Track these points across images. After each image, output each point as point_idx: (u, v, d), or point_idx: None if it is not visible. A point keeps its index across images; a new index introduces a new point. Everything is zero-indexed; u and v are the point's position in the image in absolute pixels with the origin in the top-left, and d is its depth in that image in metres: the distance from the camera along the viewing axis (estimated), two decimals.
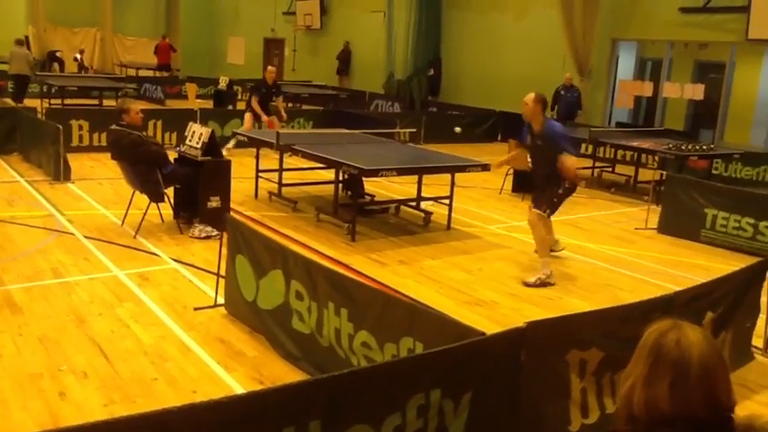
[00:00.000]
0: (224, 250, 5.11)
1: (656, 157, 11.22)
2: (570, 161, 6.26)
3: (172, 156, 7.56)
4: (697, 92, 14.70)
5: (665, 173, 9.66)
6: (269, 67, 12.58)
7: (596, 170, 12.39)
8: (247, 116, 12.23)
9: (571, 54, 15.89)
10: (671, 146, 10.86)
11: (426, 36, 19.56)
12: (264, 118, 12.10)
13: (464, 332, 3.30)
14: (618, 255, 7.58)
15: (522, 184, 10.18)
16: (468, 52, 19.01)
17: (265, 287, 4.69)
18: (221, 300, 5.22)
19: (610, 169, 12.44)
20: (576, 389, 3.60)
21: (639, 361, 1.82)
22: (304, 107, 18.37)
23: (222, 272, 5.18)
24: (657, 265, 7.28)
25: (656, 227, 8.65)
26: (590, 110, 15.97)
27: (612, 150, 12.55)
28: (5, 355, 4.32)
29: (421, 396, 2.92)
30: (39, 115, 12.08)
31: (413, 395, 2.89)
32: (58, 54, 23.58)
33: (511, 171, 10.41)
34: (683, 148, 10.82)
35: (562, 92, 14.65)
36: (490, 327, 5.10)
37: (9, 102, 14.93)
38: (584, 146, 13.26)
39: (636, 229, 8.77)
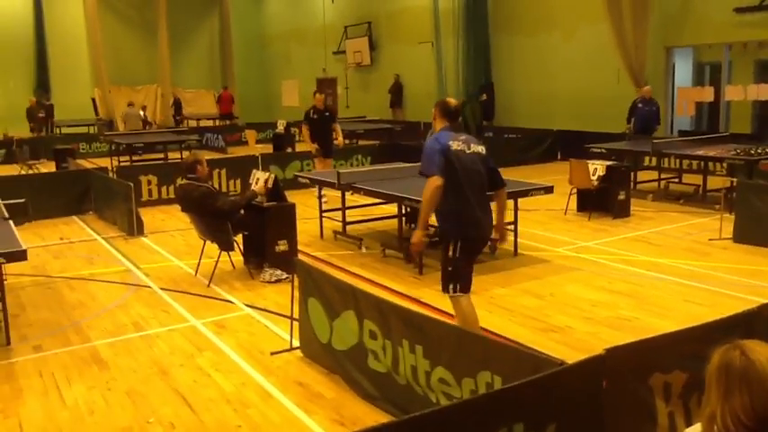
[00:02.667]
0: (296, 293, 5.20)
1: (724, 164, 10.89)
2: (426, 191, 4.62)
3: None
4: (762, 92, 14.22)
5: (735, 180, 9.37)
6: (317, 95, 11.65)
7: (662, 182, 12.11)
8: (316, 161, 11.93)
9: (625, 66, 15.65)
10: (739, 151, 10.53)
11: (476, 62, 19.63)
12: (319, 165, 11.70)
13: (541, 363, 3.27)
14: (693, 268, 7.36)
15: (587, 202, 10.05)
16: (520, 74, 18.97)
17: (339, 328, 4.75)
18: (296, 343, 5.30)
19: (676, 180, 12.14)
20: (663, 414, 3.50)
21: (712, 384, 1.92)
22: (360, 143, 18.61)
23: (295, 314, 5.26)
24: (735, 276, 7.03)
25: (730, 236, 8.37)
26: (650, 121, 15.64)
27: (677, 160, 12.25)
28: (97, 410, 4.48)
29: (504, 431, 2.90)
30: (110, 174, 12.63)
31: (496, 430, 2.87)
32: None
33: (574, 190, 10.28)
34: (752, 152, 10.47)
35: (640, 104, 13.97)
36: (567, 353, 5.03)
37: (83, 164, 15.63)
38: (647, 158, 13.02)
39: (710, 240, 8.50)
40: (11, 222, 6.57)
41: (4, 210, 7.10)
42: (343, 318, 4.66)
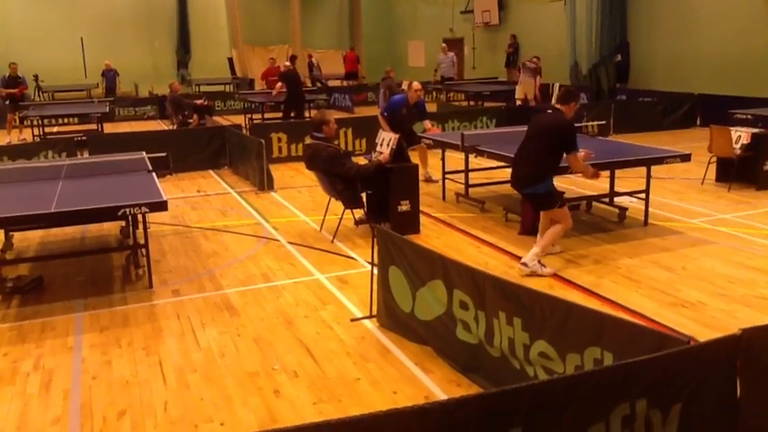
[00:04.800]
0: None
1: None
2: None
3: (362, 161, 7.92)
4: None
5: None
6: (413, 84, 10.15)
7: None
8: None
9: None
10: None
11: (611, 20, 18.65)
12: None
13: (663, 341, 3.13)
14: None
15: (728, 172, 9.41)
16: (659, 33, 17.85)
17: (424, 298, 4.65)
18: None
19: None
20: None
21: None
22: (486, 104, 18.32)
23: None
24: None
25: None
26: None
27: None
28: (227, 354, 4.78)
29: (626, 406, 2.82)
30: (243, 131, 13.20)
31: (617, 405, 2.80)
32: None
33: (714, 159, 9.65)
34: None
35: None
36: (698, 330, 4.81)
37: (219, 121, 16.39)
38: None
39: None
40: (154, 175, 7.03)
41: (148, 162, 7.61)
42: (430, 287, 4.57)
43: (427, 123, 10.56)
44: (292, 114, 15.63)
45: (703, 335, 4.62)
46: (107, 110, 16.17)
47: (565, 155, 6.20)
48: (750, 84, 14.80)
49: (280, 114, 18.07)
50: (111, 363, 4.68)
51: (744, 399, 3.09)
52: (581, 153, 6.33)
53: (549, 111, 6.37)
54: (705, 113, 14.99)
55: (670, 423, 2.93)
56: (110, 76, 22.58)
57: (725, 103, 13.32)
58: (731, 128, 9.51)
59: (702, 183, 9.62)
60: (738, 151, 9.23)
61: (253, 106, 17.87)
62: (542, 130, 6.21)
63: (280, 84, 16.10)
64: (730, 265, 6.34)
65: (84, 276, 6.50)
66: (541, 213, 6.50)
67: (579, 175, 6.75)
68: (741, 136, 9.25)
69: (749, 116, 11.19)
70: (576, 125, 6.61)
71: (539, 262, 6.13)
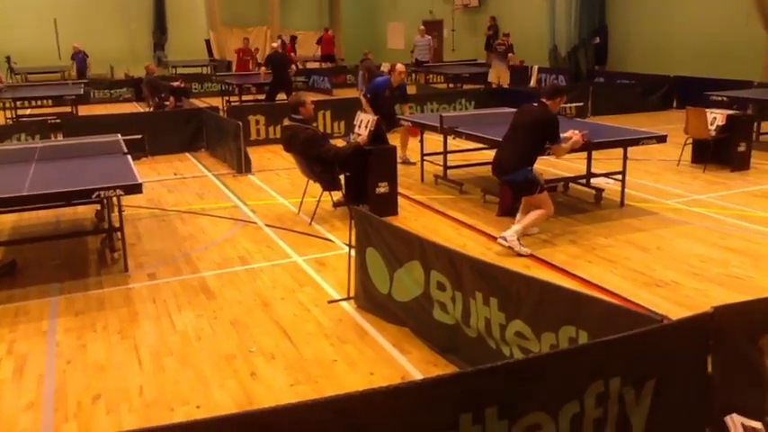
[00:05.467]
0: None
1: None
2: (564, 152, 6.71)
3: (340, 143, 7.88)
4: None
5: None
6: (398, 66, 10.10)
7: None
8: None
9: (756, 8, 14.45)
10: None
11: (590, 3, 18.68)
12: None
13: (637, 319, 3.16)
14: None
15: (703, 153, 9.50)
16: (636, 16, 17.91)
17: (401, 279, 4.65)
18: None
19: None
20: None
21: None
22: (465, 87, 18.30)
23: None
24: None
25: None
26: None
27: None
28: (204, 337, 4.75)
29: (600, 384, 2.84)
30: (221, 113, 13.06)
31: (591, 383, 2.82)
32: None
33: (690, 140, 9.73)
34: None
35: None
36: (672, 309, 4.86)
37: (196, 103, 16.20)
38: None
39: None
40: (129, 157, 6.94)
41: (123, 145, 7.51)
42: (407, 268, 4.57)
43: (406, 109, 10.52)
44: (279, 96, 15.51)
45: (677, 313, 4.66)
46: (81, 92, 15.92)
47: (549, 144, 6.37)
48: (726, 66, 14.93)
49: (257, 96, 17.96)
50: (85, 347, 4.63)
51: (715, 375, 3.13)
52: (577, 135, 6.62)
53: (536, 104, 6.43)
54: (682, 95, 15.10)
55: (643, 400, 2.96)
56: (79, 58, 21.90)
57: (701, 85, 13.42)
58: (707, 110, 9.59)
59: (678, 164, 9.70)
60: (714, 133, 9.31)
61: (230, 88, 17.69)
62: (527, 122, 6.34)
63: (264, 68, 15.97)
64: (704, 244, 6.41)
65: (59, 260, 6.42)
66: (523, 198, 6.53)
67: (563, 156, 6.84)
68: (716, 118, 9.33)
69: (724, 98, 11.29)
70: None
71: (518, 240, 6.17)
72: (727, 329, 3.15)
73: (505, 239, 6.18)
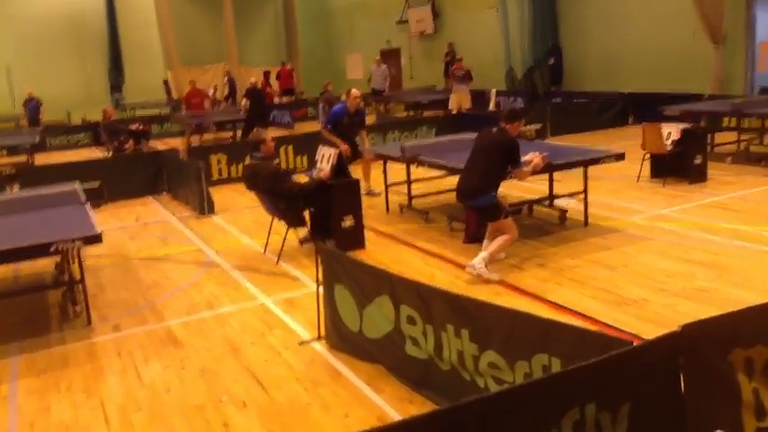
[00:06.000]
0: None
1: None
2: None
3: (303, 179, 7.84)
4: None
5: None
6: (352, 91, 9.95)
7: (742, 143, 11.52)
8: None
9: (702, 22, 14.89)
10: None
11: (543, 25, 19.07)
12: (344, 147, 9.23)
13: (608, 343, 3.16)
14: None
15: (662, 168, 9.66)
16: (589, 36, 18.32)
17: (371, 315, 4.60)
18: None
19: (758, 141, 11.52)
20: (747, 390, 3.34)
21: None
22: (425, 113, 18.44)
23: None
24: None
25: None
26: (728, 79, 14.91)
27: (759, 120, 11.60)
28: (172, 389, 4.63)
29: (575, 411, 2.82)
30: (181, 154, 12.93)
31: (566, 411, 2.80)
32: None
33: (647, 156, 9.90)
34: None
35: None
36: (642, 327, 4.88)
37: (155, 145, 16.07)
38: (726, 119, 12.42)
39: None
40: (87, 206, 6.80)
41: (81, 193, 7.37)
42: (377, 304, 4.51)
43: (363, 135, 10.39)
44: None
45: (647, 331, 4.69)
46: (37, 140, 15.67)
47: (510, 168, 6.42)
48: (676, 80, 15.30)
49: (218, 134, 17.87)
50: (49, 409, 4.47)
51: (688, 392, 3.13)
52: (537, 158, 6.65)
53: (495, 129, 6.48)
54: (636, 111, 15.42)
55: (620, 423, 2.94)
56: (32, 106, 20.73)
57: (654, 100, 13.70)
58: (661, 124, 9.78)
59: (638, 180, 9.85)
60: (670, 147, 9.48)
61: (190, 128, 17.57)
62: (488, 146, 6.40)
63: (245, 101, 15.92)
64: (669, 259, 6.49)
65: (18, 317, 6.22)
66: (488, 224, 6.56)
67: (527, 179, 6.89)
68: (671, 132, 9.52)
69: (678, 112, 11.54)
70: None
71: (486, 266, 6.16)
72: (696, 346, 3.16)
73: (474, 267, 6.18)
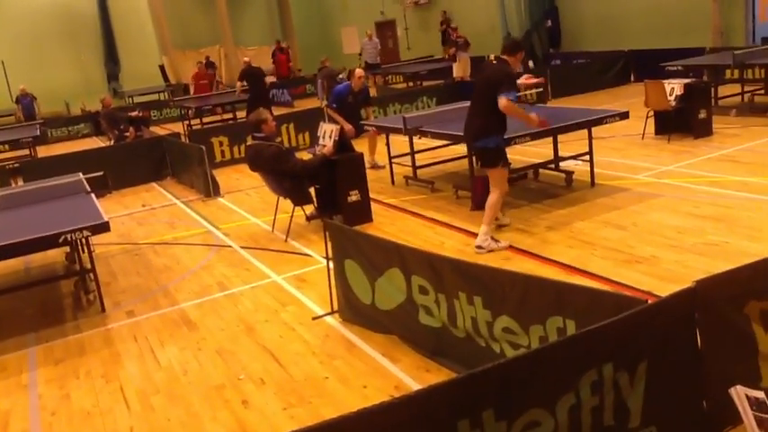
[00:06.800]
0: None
1: None
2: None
3: (306, 156, 7.82)
4: None
5: None
6: (357, 71, 10.17)
7: (746, 95, 11.41)
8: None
9: None
10: None
11: None
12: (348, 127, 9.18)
13: (622, 302, 3.15)
14: None
15: (666, 124, 9.59)
16: None
17: (382, 287, 4.60)
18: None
19: (762, 92, 11.41)
20: (764, 342, 3.34)
21: None
22: (425, 84, 18.31)
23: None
24: None
25: None
26: (728, 31, 14.72)
27: (762, 71, 11.48)
28: (190, 370, 4.66)
29: (593, 372, 2.82)
30: (182, 138, 12.91)
31: (584, 372, 2.80)
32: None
33: (651, 113, 9.82)
34: None
35: None
36: (655, 285, 4.88)
37: (156, 131, 16.00)
38: (728, 71, 12.29)
39: None
40: (93, 195, 6.80)
41: (86, 183, 7.36)
42: (387, 276, 4.51)
43: (369, 111, 10.44)
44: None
45: (660, 288, 4.69)
46: (38, 133, 15.62)
47: (499, 93, 5.86)
48: (677, 35, 15.12)
49: (223, 116, 17.78)
50: (69, 396, 4.51)
51: (705, 348, 3.14)
52: (537, 117, 6.35)
53: (494, 61, 6.23)
54: (638, 69, 15.27)
55: (637, 382, 2.95)
56: (26, 102, 20.35)
57: (656, 56, 13.56)
58: (664, 81, 9.68)
59: (643, 137, 9.78)
60: (673, 103, 9.40)
61: (190, 112, 17.51)
62: (488, 80, 6.08)
63: (240, 83, 15.71)
64: (678, 215, 6.46)
65: (33, 309, 6.26)
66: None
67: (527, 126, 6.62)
68: (674, 88, 9.43)
69: (680, 67, 11.42)
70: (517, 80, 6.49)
71: (491, 238, 6.13)
72: (711, 301, 3.16)
73: (481, 247, 6.10)
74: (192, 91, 19.40)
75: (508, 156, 6.35)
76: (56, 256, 7.62)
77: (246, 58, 17.58)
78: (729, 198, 6.76)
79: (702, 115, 9.46)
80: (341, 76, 16.34)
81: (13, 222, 6.24)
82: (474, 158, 6.89)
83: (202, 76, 20.04)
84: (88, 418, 4.20)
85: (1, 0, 25.36)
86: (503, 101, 5.84)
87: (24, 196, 7.33)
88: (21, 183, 10.37)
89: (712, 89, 10.61)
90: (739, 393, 2.40)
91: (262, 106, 14.22)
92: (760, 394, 2.39)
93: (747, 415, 2.38)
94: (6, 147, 16.99)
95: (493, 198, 6.18)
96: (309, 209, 7.66)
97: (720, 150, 8.68)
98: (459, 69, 17.80)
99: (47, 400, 4.50)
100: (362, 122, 9.83)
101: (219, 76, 26.64)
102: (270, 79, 24.32)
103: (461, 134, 7.47)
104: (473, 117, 6.29)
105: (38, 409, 4.40)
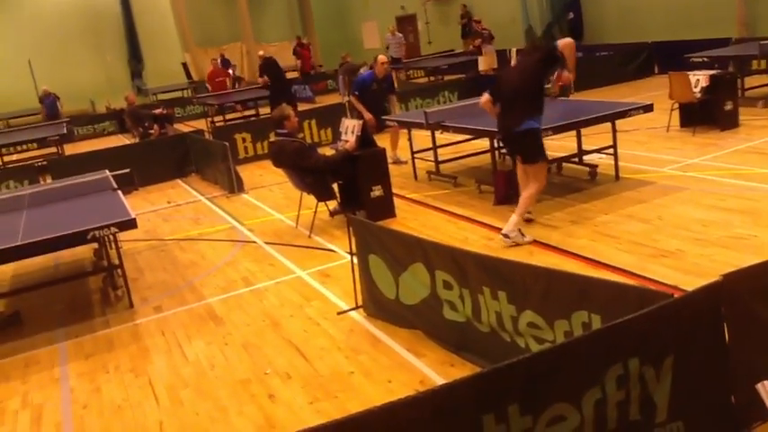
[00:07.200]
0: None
1: None
2: None
3: (329, 152, 7.85)
4: None
5: None
6: (379, 57, 10.05)
7: None
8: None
9: None
10: None
11: None
12: (368, 116, 9.45)
13: (648, 296, 3.14)
14: None
15: (691, 116, 9.48)
16: None
17: (406, 282, 4.62)
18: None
19: None
20: None
21: None
22: (446, 78, 18.26)
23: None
24: None
25: None
26: (753, 21, 14.49)
27: None
28: (217, 365, 4.72)
29: (618, 366, 2.82)
30: (206, 135, 13.02)
31: (610, 367, 2.80)
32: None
33: (676, 105, 9.72)
34: None
35: None
36: (681, 279, 4.85)
37: (180, 128, 16.14)
38: (755, 62, 12.12)
39: None
40: (119, 192, 6.90)
41: (112, 181, 7.47)
42: (411, 271, 4.53)
43: (393, 100, 10.36)
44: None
45: (686, 282, 4.66)
46: (65, 131, 15.85)
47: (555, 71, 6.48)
48: (701, 26, 14.92)
49: (243, 113, 17.88)
50: (100, 389, 4.60)
51: (732, 343, 3.12)
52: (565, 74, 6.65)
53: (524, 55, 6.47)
54: (662, 61, 15.08)
55: (663, 377, 2.94)
56: (48, 102, 20.24)
57: (680, 48, 13.39)
58: (689, 72, 9.57)
59: (668, 130, 9.68)
60: (699, 95, 9.29)
61: (210, 110, 17.64)
62: (525, 67, 6.28)
63: (262, 79, 15.66)
64: (704, 208, 6.40)
65: (63, 305, 6.38)
66: (521, 177, 6.48)
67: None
68: (699, 79, 9.31)
69: (705, 59, 11.28)
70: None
71: (519, 231, 6.13)
72: (738, 295, 3.13)
73: (508, 236, 6.11)
74: (210, 89, 19.48)
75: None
76: (84, 252, 7.75)
77: (261, 52, 17.55)
78: (756, 191, 6.68)
79: (728, 107, 9.34)
80: (362, 70, 16.35)
81: (42, 219, 6.35)
82: (512, 154, 6.84)
83: (218, 73, 20.08)
84: (119, 412, 4.28)
85: (26, 4, 25.73)
86: (564, 77, 6.47)
87: (53, 194, 7.46)
88: (49, 180, 10.55)
89: (738, 80, 10.46)
90: (767, 388, 2.39)
91: (284, 101, 14.30)
92: None
93: None
94: (34, 145, 17.27)
95: (531, 191, 6.22)
96: (333, 204, 7.70)
97: (747, 142, 8.56)
98: (485, 62, 17.76)
99: (78, 393, 4.59)
100: (384, 117, 9.82)
101: (242, 73, 26.80)
102: (292, 74, 24.49)
103: (484, 128, 7.49)
104: (512, 109, 6.25)
105: (70, 402, 4.49)
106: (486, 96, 6.53)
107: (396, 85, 10.61)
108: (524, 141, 6.26)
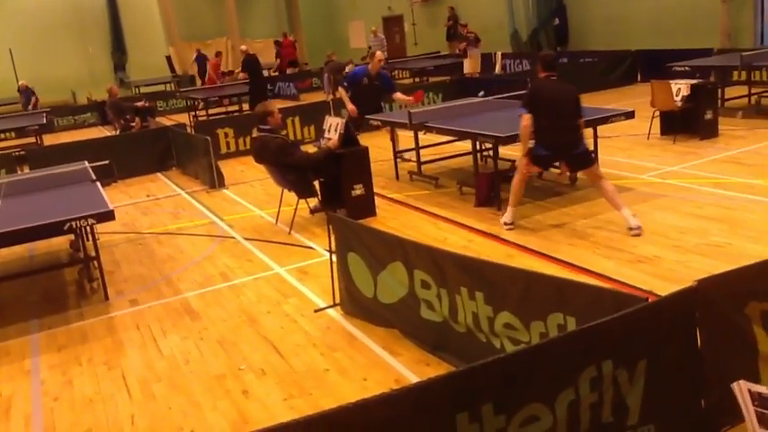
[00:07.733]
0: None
1: None
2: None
3: (311, 150, 7.83)
4: None
5: None
6: (377, 53, 9.89)
7: (753, 97, 11.37)
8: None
9: None
10: None
11: None
12: (350, 107, 9.51)
13: (622, 300, 3.16)
14: None
15: (672, 124, 9.57)
16: None
17: (385, 281, 4.61)
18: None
19: None
20: (764, 343, 3.35)
21: None
22: (431, 80, 18.29)
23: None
24: None
25: None
26: (736, 33, 14.68)
27: None
28: (192, 359, 4.69)
29: (592, 369, 2.84)
30: (188, 129, 12.93)
31: (584, 369, 2.82)
32: None
33: (657, 113, 9.81)
34: None
35: None
36: (657, 284, 4.88)
37: (162, 121, 16.01)
38: (735, 73, 12.27)
39: None
40: (98, 184, 6.83)
41: (91, 172, 7.39)
42: (390, 270, 4.52)
43: (399, 96, 10.24)
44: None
45: (662, 288, 4.70)
46: (44, 121, 15.65)
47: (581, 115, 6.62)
48: (684, 36, 15.09)
49: (227, 108, 17.79)
50: (71, 382, 4.54)
51: (705, 347, 3.15)
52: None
53: (553, 78, 6.63)
54: (645, 69, 15.22)
55: (636, 380, 2.96)
56: (26, 95, 19.98)
57: (663, 56, 13.52)
58: (670, 81, 9.66)
59: (648, 137, 9.77)
60: (680, 103, 9.39)
61: (196, 103, 17.53)
62: (568, 94, 6.55)
63: (242, 74, 15.58)
64: (682, 216, 6.46)
65: (37, 296, 6.30)
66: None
67: None
68: (681, 88, 9.41)
69: (687, 68, 11.40)
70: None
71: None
72: (712, 301, 3.16)
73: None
74: (208, 78, 19.35)
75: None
76: (60, 243, 7.67)
77: (243, 47, 17.48)
78: (733, 200, 6.76)
79: (708, 116, 9.44)
80: (347, 68, 16.34)
81: (18, 209, 6.26)
82: (568, 166, 6.93)
83: (218, 66, 19.94)
84: (90, 405, 4.23)
85: None
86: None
87: (30, 183, 7.36)
88: (27, 170, 10.41)
89: (719, 90, 10.59)
90: (742, 388, 2.41)
91: (262, 98, 14.25)
92: (763, 389, 2.39)
93: (749, 410, 2.39)
94: (13, 134, 17.04)
95: (607, 185, 6.37)
96: (313, 202, 7.68)
97: (726, 152, 8.66)
98: (470, 65, 17.81)
99: (49, 385, 4.53)
100: (368, 117, 9.77)
101: (226, 68, 26.63)
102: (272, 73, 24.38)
103: (467, 130, 7.52)
104: (566, 129, 6.41)
105: (40, 394, 4.43)
106: (527, 119, 6.32)
107: (394, 82, 10.52)
108: (585, 158, 6.54)
